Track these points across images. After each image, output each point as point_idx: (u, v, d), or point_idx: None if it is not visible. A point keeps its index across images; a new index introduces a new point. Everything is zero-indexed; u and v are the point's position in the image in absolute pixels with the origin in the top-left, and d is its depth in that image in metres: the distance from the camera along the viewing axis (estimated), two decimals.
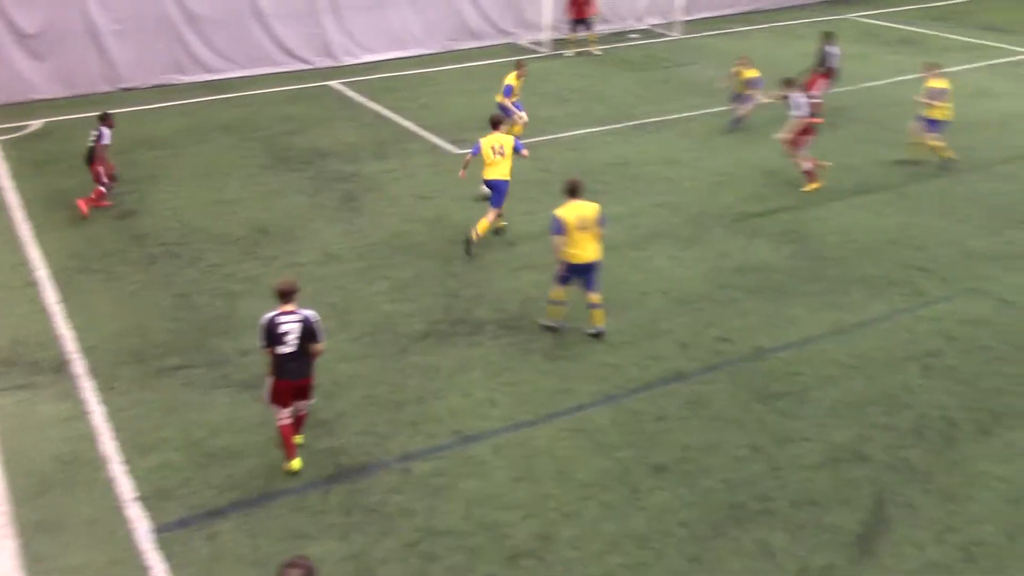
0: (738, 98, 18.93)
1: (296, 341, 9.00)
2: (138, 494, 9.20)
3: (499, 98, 17.32)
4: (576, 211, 11.38)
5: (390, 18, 25.39)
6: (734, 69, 19.06)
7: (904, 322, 12.22)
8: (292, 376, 9.16)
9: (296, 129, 19.79)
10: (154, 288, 13.21)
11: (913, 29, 28.30)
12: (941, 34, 27.61)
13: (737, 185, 16.57)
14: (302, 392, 9.37)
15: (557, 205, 11.65)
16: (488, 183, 14.13)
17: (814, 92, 20.29)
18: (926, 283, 13.18)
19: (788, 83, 16.66)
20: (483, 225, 13.97)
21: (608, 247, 14.15)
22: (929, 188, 16.40)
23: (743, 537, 8.63)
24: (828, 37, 20.59)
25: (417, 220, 15.32)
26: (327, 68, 24.49)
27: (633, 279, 13.35)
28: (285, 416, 9.34)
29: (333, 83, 23.27)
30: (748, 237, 14.57)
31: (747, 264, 13.74)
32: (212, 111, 21.09)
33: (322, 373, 10.05)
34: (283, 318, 9.03)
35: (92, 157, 15.22)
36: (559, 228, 11.34)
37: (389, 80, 23.52)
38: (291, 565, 5.91)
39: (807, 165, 16.26)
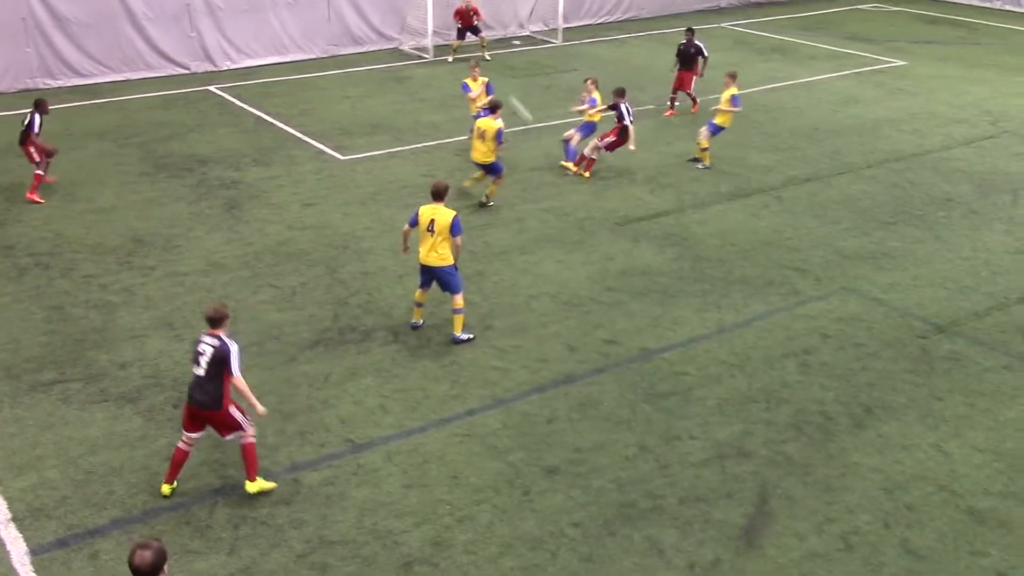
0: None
1: (206, 365, 8.77)
2: (12, 515, 8.81)
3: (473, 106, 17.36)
4: (431, 213, 11.55)
5: (269, 22, 24.98)
6: (583, 92, 18.64)
7: (781, 321, 12.65)
8: (196, 403, 8.83)
9: (174, 135, 19.27)
10: (25, 301, 12.68)
11: (784, 38, 29.32)
12: (810, 43, 28.69)
13: (620, 190, 16.89)
14: (214, 424, 8.96)
15: None
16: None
17: (688, 90, 20.94)
18: (801, 283, 13.67)
19: (619, 93, 17.18)
20: (491, 189, 15.93)
21: (496, 251, 14.34)
22: (801, 191, 17.02)
23: (634, 535, 8.79)
24: (691, 32, 21.23)
25: (302, 227, 15.10)
26: (205, 73, 23.94)
27: (521, 283, 13.46)
28: (185, 441, 9.02)
29: (212, 88, 22.76)
30: (632, 241, 14.86)
31: (632, 267, 14.02)
32: (84, 116, 20.36)
33: None
34: (206, 338, 8.83)
35: (24, 141, 15.71)
36: (413, 219, 11.68)
37: (270, 85, 23.14)
38: (143, 547, 5.82)
39: (586, 151, 17.30)
